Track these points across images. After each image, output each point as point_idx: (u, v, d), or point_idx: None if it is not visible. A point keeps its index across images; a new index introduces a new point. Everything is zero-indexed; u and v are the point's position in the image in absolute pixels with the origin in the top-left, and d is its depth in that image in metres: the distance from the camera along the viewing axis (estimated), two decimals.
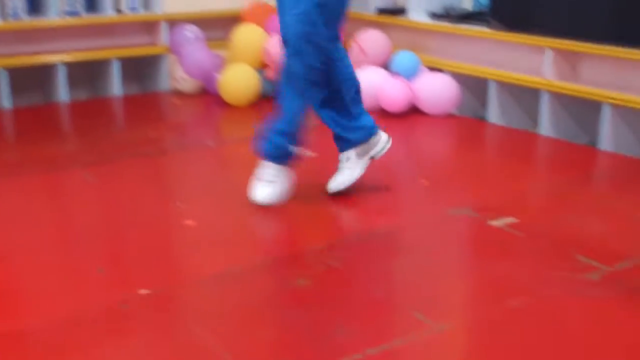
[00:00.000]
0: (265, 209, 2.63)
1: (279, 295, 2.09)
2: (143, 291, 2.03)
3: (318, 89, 2.61)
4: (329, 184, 2.74)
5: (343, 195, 2.72)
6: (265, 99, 4.07)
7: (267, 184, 2.65)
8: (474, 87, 4.03)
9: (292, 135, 2.62)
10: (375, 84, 3.85)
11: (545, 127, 3.66)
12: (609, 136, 3.38)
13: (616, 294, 2.01)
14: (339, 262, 2.23)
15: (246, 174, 2.75)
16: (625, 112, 3.36)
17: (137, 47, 4.47)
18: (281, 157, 2.64)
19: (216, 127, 4.07)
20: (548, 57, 3.60)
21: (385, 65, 4.12)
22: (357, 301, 2.01)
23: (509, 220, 2.54)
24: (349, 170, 2.74)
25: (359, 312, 1.95)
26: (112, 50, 4.34)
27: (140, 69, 4.56)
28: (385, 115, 3.84)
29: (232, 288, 2.08)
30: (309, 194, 2.77)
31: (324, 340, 1.80)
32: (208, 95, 4.34)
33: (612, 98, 3.32)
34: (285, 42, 2.58)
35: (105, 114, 4.14)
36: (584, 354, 1.74)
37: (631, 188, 2.93)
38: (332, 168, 2.77)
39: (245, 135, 3.17)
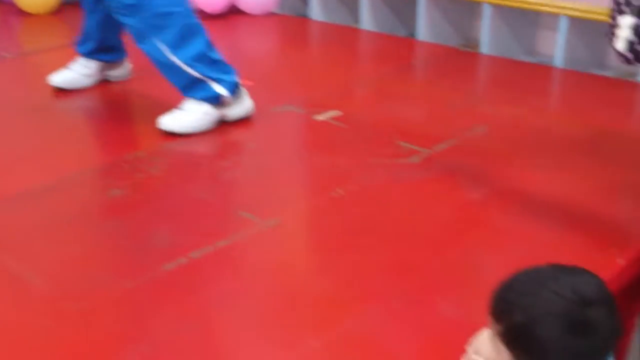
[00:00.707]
0: (76, 120, 2.46)
1: (91, 207, 1.97)
2: None
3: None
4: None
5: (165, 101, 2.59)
6: (68, 5, 3.76)
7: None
8: None
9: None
10: None
11: (366, 22, 3.70)
12: (425, 27, 3.49)
13: (435, 174, 2.10)
14: (159, 170, 2.14)
15: (48, 86, 2.54)
16: (441, 2, 3.46)
17: None
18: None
19: (12, 37, 3.72)
20: None
21: None
22: (179, 206, 1.95)
23: (333, 113, 2.55)
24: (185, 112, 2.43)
25: (181, 217, 1.89)
26: None
27: None
28: (204, 17, 3.67)
29: (37, 206, 1.93)
30: (130, 102, 2.62)
31: (144, 249, 1.73)
32: (2, 3, 3.94)
33: None
34: None
35: None
36: (408, 229, 1.81)
37: (448, 75, 3.04)
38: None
39: (47, 45, 2.92)
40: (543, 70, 3.13)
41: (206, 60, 2.39)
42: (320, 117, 2.52)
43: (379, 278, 1.61)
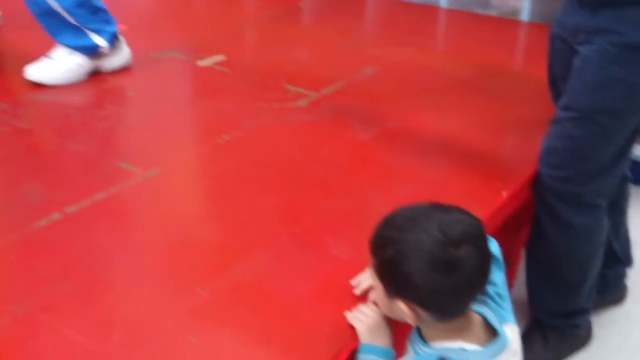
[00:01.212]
0: None
1: None
2: None
3: None
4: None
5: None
6: None
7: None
8: None
9: None
10: None
11: None
12: None
13: (323, 117, 2.08)
14: (27, 122, 2.01)
15: None
16: None
17: None
18: None
19: None
20: None
21: None
22: (51, 160, 1.84)
23: (218, 58, 2.48)
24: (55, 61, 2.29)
25: (53, 171, 1.79)
26: None
27: None
28: None
29: None
30: None
31: (12, 207, 1.62)
32: None
33: None
34: None
35: None
36: (296, 173, 1.78)
37: (335, 17, 3.02)
38: None
39: None
40: (429, 10, 3.16)
41: (88, 7, 2.25)
42: (204, 63, 2.45)
43: (268, 223, 1.59)
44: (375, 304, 1.27)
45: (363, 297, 1.33)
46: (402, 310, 1.14)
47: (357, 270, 1.37)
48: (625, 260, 2.19)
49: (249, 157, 1.85)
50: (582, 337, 2.07)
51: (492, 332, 1.19)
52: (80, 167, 1.82)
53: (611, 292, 2.21)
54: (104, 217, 1.60)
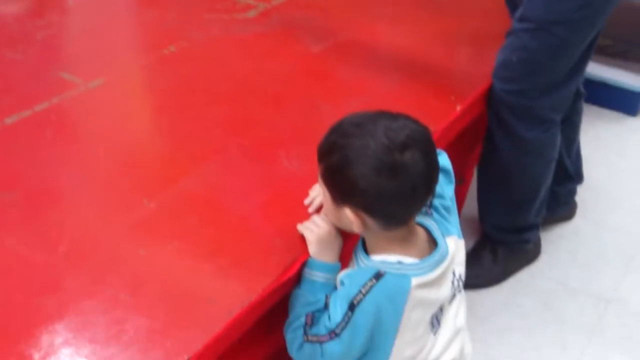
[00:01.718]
0: None
1: None
2: None
3: None
4: None
5: None
6: None
7: None
8: None
9: None
10: None
11: None
12: None
13: (274, 28, 2.03)
14: None
15: None
16: None
17: None
18: None
19: None
20: None
21: None
22: None
23: None
24: None
25: None
26: None
27: None
28: None
29: None
30: None
31: None
32: None
33: None
34: None
35: None
36: (247, 85, 1.75)
37: None
38: None
39: None
40: None
41: None
42: None
43: (218, 136, 1.56)
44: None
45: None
46: (349, 217, 1.14)
47: (309, 183, 1.37)
48: (576, 177, 2.23)
49: (197, 69, 1.81)
50: (530, 253, 2.13)
51: (436, 246, 1.20)
52: (20, 77, 1.75)
53: (561, 209, 2.26)
54: (46, 128, 1.55)
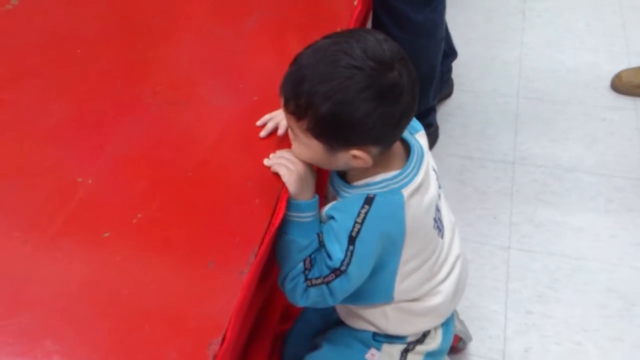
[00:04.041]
0: None
1: None
2: None
3: None
4: None
5: None
6: None
7: None
8: None
9: None
10: None
11: None
12: None
13: None
14: None
15: None
16: None
17: None
18: None
19: None
20: None
21: None
22: None
23: None
24: None
25: None
26: None
27: None
28: None
29: None
30: None
31: None
32: None
33: None
34: None
35: None
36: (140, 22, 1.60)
37: None
38: None
39: None
40: None
41: None
42: None
43: (128, 87, 1.41)
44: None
45: (271, 141, 1.26)
46: (351, 156, 1.07)
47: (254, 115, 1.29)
48: (451, 53, 2.30)
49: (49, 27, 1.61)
50: (433, 135, 2.19)
51: (408, 147, 1.17)
52: None
53: (443, 88, 2.34)
54: None
